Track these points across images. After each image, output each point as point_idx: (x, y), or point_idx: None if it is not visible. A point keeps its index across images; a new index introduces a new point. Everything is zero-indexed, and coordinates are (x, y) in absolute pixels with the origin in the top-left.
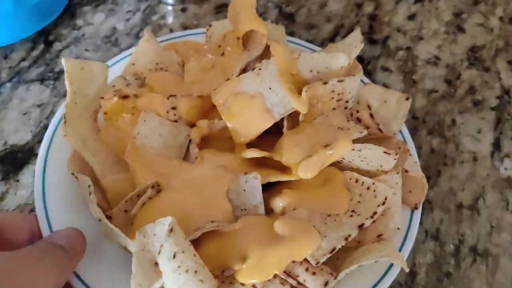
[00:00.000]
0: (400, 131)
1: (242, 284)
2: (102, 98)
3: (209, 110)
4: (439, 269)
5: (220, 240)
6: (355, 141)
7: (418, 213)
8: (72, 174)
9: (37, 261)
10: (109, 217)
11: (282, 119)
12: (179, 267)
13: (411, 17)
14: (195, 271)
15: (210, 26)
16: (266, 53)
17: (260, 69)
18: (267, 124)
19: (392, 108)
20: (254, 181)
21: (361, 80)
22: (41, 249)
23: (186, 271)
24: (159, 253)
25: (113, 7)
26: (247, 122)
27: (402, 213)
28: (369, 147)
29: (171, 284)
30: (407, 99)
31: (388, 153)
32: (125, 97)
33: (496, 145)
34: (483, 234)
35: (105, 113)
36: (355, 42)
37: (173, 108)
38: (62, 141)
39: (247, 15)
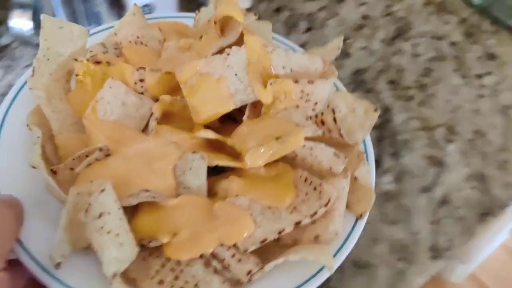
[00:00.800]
0: (364, 141)
1: (167, 259)
2: (76, 60)
3: (175, 88)
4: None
5: (155, 212)
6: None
7: (362, 223)
8: (27, 125)
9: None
10: (54, 172)
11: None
12: (102, 227)
13: (302, 45)
14: (117, 234)
15: (198, 11)
16: (241, 41)
17: (228, 54)
18: (227, 108)
19: (359, 117)
20: (200, 161)
21: (335, 85)
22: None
23: (108, 232)
24: (86, 211)
25: (10, 62)
26: (207, 103)
27: (346, 220)
28: (320, 146)
29: (94, 243)
30: (375, 110)
31: (337, 156)
32: (97, 62)
33: (377, 162)
34: (363, 247)
35: (76, 75)
36: (334, 48)
37: (141, 80)
38: (24, 102)
39: (226, 1)
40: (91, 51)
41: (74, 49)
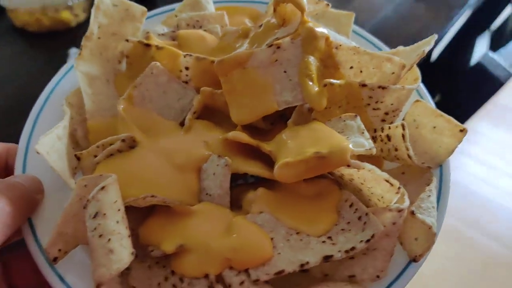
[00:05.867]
0: (441, 167)
1: (172, 272)
2: (127, 40)
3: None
4: None
5: (167, 218)
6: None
7: (415, 267)
8: (62, 105)
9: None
10: (78, 158)
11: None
12: (95, 228)
13: None
14: (109, 239)
15: None
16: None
17: (278, 47)
18: (269, 109)
19: (441, 137)
20: (223, 168)
21: (418, 93)
22: (8, 184)
23: (100, 235)
24: (84, 207)
25: None
26: (247, 104)
27: (395, 261)
28: (369, 168)
29: (89, 243)
30: (461, 130)
31: (390, 183)
32: (147, 45)
33: None
34: None
35: (127, 57)
36: (423, 46)
37: (187, 68)
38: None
39: None
40: (147, 32)
41: (130, 29)
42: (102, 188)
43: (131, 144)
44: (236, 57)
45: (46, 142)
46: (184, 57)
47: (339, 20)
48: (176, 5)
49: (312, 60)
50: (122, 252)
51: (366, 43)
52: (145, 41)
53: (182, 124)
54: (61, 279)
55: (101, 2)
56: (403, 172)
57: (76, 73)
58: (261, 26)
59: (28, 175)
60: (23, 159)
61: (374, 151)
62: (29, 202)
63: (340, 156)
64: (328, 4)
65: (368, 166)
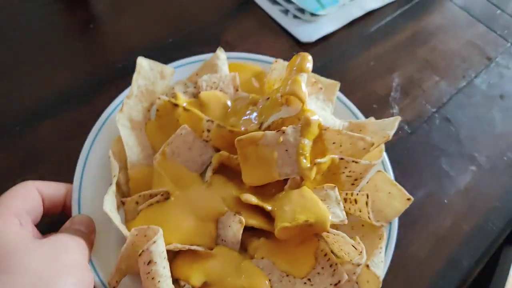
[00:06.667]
0: (390, 225)
1: None
2: (159, 98)
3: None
4: None
5: (194, 258)
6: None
7: None
8: (109, 157)
9: (71, 243)
10: (123, 203)
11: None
12: (148, 273)
13: None
14: (159, 281)
15: (276, 61)
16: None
17: (284, 132)
18: (272, 178)
19: (393, 202)
20: (238, 224)
21: (382, 164)
22: (70, 234)
23: (152, 278)
24: (139, 255)
25: None
26: (256, 171)
27: None
28: (342, 235)
29: (142, 280)
30: (408, 199)
31: (355, 247)
32: (175, 105)
33: None
34: None
35: (157, 110)
36: (389, 129)
37: (208, 131)
38: (113, 126)
39: (297, 82)
40: (173, 88)
41: (160, 86)
42: (154, 242)
43: (167, 197)
44: (252, 137)
45: (109, 200)
46: (207, 121)
47: (327, 87)
48: (192, 58)
49: (306, 142)
50: None
51: (346, 110)
52: (174, 101)
53: (202, 174)
54: None
55: (141, 68)
56: (362, 225)
57: (118, 126)
58: (268, 99)
59: (85, 217)
60: (77, 200)
61: (346, 222)
62: (90, 244)
63: (322, 224)
64: (321, 88)
65: (341, 234)
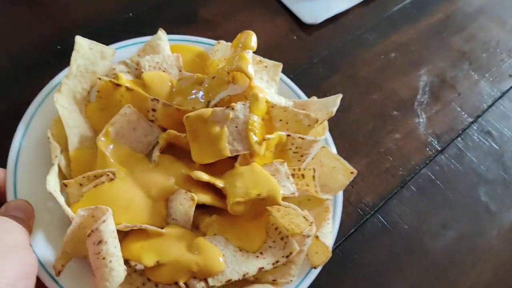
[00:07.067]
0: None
1: (148, 279)
2: (99, 79)
3: (182, 123)
4: None
5: (144, 238)
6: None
7: (314, 273)
8: (48, 138)
9: (10, 225)
10: (65, 185)
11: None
12: (99, 253)
13: None
14: (110, 261)
15: (218, 42)
16: (247, 92)
17: (233, 109)
18: (223, 155)
19: (336, 176)
20: (189, 201)
21: (326, 141)
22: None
23: (103, 258)
24: (88, 235)
25: None
26: (206, 149)
27: (301, 268)
28: (293, 207)
29: (91, 262)
30: (351, 173)
31: (306, 219)
32: (117, 85)
33: None
34: None
35: (98, 91)
36: (331, 106)
37: (153, 110)
38: (50, 107)
39: (244, 59)
40: (114, 69)
41: (101, 67)
42: (103, 221)
43: (112, 178)
44: (201, 114)
45: (52, 180)
46: (152, 100)
47: (270, 68)
48: (135, 40)
49: (256, 118)
50: (120, 269)
51: (289, 91)
52: (116, 81)
53: (148, 155)
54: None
55: (80, 47)
56: (309, 199)
57: (56, 106)
58: (213, 77)
59: (21, 202)
60: (13, 183)
61: (296, 195)
62: (29, 230)
63: (274, 198)
64: (266, 66)
65: (292, 206)
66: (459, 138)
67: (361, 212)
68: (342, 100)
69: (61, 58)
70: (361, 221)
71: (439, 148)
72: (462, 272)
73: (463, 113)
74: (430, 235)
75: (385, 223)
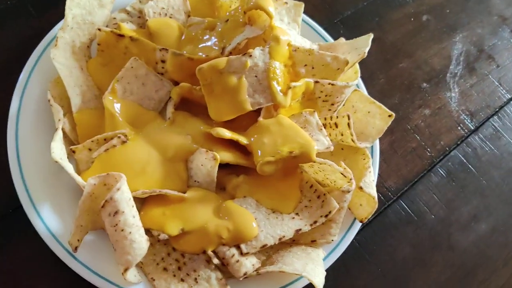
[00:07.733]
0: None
1: (174, 249)
2: (99, 30)
3: (195, 73)
4: None
5: (166, 204)
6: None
7: (354, 230)
8: (49, 101)
9: None
10: (73, 151)
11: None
12: (116, 224)
13: None
14: (130, 232)
15: None
16: (266, 34)
17: (250, 56)
18: (243, 110)
19: (373, 120)
20: (212, 161)
21: (356, 85)
22: None
23: (122, 230)
24: (102, 206)
25: None
26: (224, 104)
27: (343, 224)
28: (329, 163)
29: (109, 235)
30: (389, 116)
31: (344, 175)
32: (120, 36)
33: None
34: None
35: (98, 44)
36: (363, 47)
37: (163, 61)
38: (48, 64)
39: None
40: (114, 18)
41: (100, 17)
42: (118, 189)
43: (124, 140)
44: (214, 64)
45: (57, 147)
46: (160, 51)
47: (291, 8)
48: None
49: (277, 65)
50: (142, 241)
51: (313, 33)
52: (118, 32)
53: (161, 112)
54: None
55: None
56: (342, 148)
57: (55, 64)
58: (227, 21)
59: None
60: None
61: (332, 149)
62: None
63: (308, 154)
64: (286, 2)
65: (328, 162)
66: (496, 117)
67: (382, 198)
68: (364, 67)
69: None
70: (382, 208)
71: (472, 127)
72: (494, 271)
73: (501, 88)
74: (459, 227)
75: (409, 211)
